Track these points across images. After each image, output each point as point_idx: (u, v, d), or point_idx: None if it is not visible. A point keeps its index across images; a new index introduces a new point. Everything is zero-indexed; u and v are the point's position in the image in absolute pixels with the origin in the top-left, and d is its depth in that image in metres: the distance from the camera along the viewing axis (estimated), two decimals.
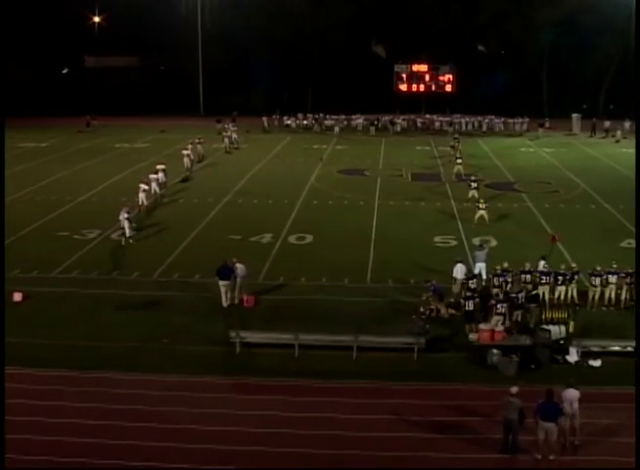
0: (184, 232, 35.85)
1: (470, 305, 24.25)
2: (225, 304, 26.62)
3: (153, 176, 42.56)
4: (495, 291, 25.48)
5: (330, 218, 38.84)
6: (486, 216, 36.89)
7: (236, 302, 26.83)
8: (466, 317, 24.32)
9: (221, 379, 21.29)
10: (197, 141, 55.99)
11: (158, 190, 42.39)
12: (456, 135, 62.51)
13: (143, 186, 40.28)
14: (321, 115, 76.93)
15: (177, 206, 41.82)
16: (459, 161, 49.66)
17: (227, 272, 26.71)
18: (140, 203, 39.63)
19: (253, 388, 20.81)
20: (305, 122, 75.88)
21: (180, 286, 28.68)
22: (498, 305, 23.99)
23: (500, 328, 22.92)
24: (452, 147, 56.78)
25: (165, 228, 36.79)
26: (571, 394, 17.82)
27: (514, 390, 17.66)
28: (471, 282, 26.08)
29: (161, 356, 22.63)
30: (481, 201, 37.70)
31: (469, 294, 24.76)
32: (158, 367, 21.78)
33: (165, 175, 44.81)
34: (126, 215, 34.22)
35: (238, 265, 26.92)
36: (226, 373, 21.64)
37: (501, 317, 23.81)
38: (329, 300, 27.20)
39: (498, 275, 26.11)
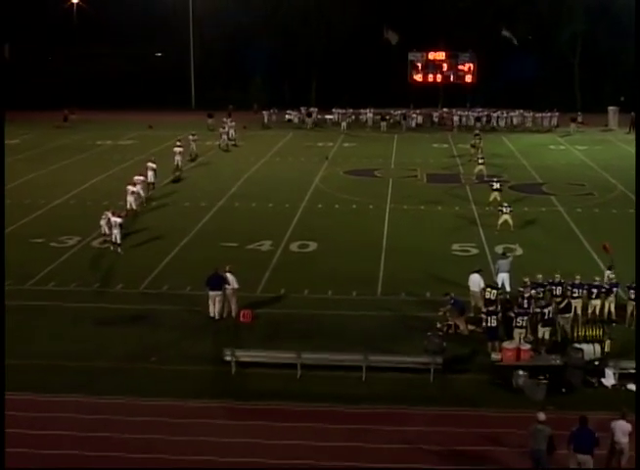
0: (174, 239, 35.92)
1: (492, 321, 24.24)
2: (213, 315, 26.86)
3: (138, 178, 42.40)
4: (520, 302, 25.57)
5: (336, 224, 38.90)
6: (510, 222, 36.92)
7: (233, 315, 26.94)
8: (488, 334, 24.32)
9: (214, 403, 21.27)
10: (190, 137, 56.16)
11: (141, 193, 42.23)
12: (477, 132, 62.58)
13: (131, 188, 40.43)
14: (312, 108, 76.97)
15: (166, 210, 41.92)
16: (481, 160, 49.69)
17: (218, 282, 26.86)
18: (128, 206, 39.75)
19: (251, 413, 20.79)
20: (311, 117, 75.98)
21: (169, 299, 28.72)
22: (518, 318, 24.05)
23: (526, 347, 22.91)
24: (473, 146, 56.81)
25: (153, 235, 36.85)
26: (623, 426, 17.63)
27: (541, 416, 17.59)
28: (491, 294, 26.11)
29: (148, 377, 22.66)
30: (505, 204, 37.73)
31: (491, 308, 24.75)
32: (143, 390, 21.79)
33: (155, 175, 44.97)
34: (119, 220, 34.38)
35: (228, 275, 27.05)
36: (220, 396, 21.63)
37: (522, 331, 23.88)
38: (335, 314, 27.22)
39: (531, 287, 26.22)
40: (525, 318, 24.15)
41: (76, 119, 75.29)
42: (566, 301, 25.82)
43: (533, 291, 25.93)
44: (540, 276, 26.89)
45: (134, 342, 25.06)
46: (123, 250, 34.17)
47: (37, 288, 29.80)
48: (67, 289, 29.70)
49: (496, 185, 41.82)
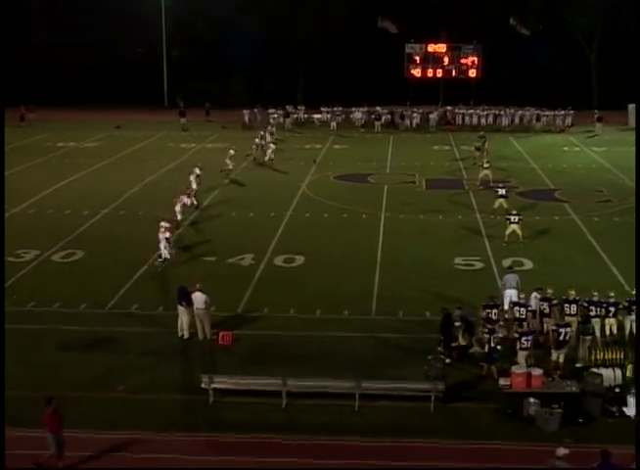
0: (143, 253, 35.79)
1: (491, 342, 24.41)
2: (181, 334, 27.09)
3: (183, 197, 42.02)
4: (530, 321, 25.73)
5: (325, 235, 38.95)
6: (519, 232, 37.02)
7: (207, 337, 26.96)
8: (487, 357, 24.45)
9: (190, 436, 21.21)
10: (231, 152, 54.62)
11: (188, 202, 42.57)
12: (482, 133, 62.77)
13: (184, 199, 41.25)
14: (298, 107, 77.14)
15: (135, 220, 41.84)
16: (486, 165, 49.77)
17: (184, 297, 27.14)
18: (179, 217, 40.29)
19: (231, 447, 20.75)
20: (296, 116, 76.08)
21: (139, 320, 28.67)
22: (523, 339, 24.13)
23: (538, 372, 22.92)
24: (477, 149, 56.90)
25: (120, 249, 36.77)
26: None
27: (560, 452, 17.48)
28: (492, 312, 26.24)
29: (114, 408, 22.57)
30: (513, 212, 37.84)
31: (490, 327, 24.89)
32: (109, 422, 21.70)
33: (198, 182, 45.39)
34: (167, 235, 34.74)
35: (197, 294, 27.05)
36: (196, 428, 21.58)
37: (526, 352, 24.02)
38: (324, 336, 27.21)
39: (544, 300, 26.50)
40: (531, 338, 24.32)
41: (35, 119, 75.24)
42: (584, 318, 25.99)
43: (544, 303, 26.24)
44: (551, 291, 26.95)
45: (99, 368, 24.95)
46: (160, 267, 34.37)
47: None
48: (24, 309, 29.59)
49: (502, 191, 41.92)
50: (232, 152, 53.41)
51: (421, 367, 24.01)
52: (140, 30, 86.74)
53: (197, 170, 46.20)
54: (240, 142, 64.46)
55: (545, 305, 26.55)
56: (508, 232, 37.17)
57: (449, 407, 22.58)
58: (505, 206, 40.69)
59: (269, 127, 65.24)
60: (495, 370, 24.03)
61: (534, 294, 27.28)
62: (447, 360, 24.88)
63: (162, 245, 34.65)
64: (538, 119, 73.54)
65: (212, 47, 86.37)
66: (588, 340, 25.08)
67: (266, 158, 56.57)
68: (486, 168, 49.37)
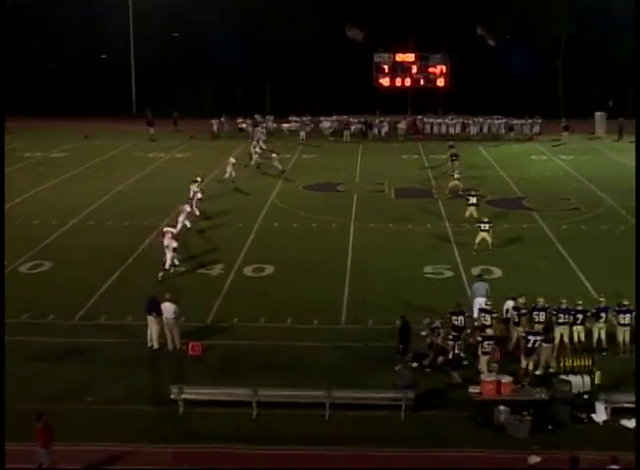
0: (112, 264, 35.65)
1: (457, 348, 24.55)
2: (151, 344, 27.02)
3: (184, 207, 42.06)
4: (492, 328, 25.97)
5: (295, 245, 38.92)
6: (489, 240, 37.20)
7: (177, 347, 26.91)
8: (451, 364, 24.55)
9: (160, 447, 21.13)
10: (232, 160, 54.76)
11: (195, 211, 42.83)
12: (452, 143, 62.96)
13: (187, 208, 41.25)
14: (258, 115, 77.04)
15: (103, 230, 41.65)
16: (457, 175, 49.95)
17: (153, 306, 27.11)
18: (181, 226, 39.97)
19: (201, 458, 20.68)
20: (265, 126, 75.88)
21: (108, 331, 28.53)
22: (485, 343, 24.32)
23: (508, 379, 23.04)
24: (452, 155, 56.86)
25: (89, 259, 36.56)
26: None
27: (533, 460, 17.55)
28: (459, 319, 26.36)
29: (83, 420, 22.44)
30: (485, 220, 38.00)
31: (454, 334, 25.04)
32: (78, 433, 21.57)
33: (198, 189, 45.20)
34: (174, 245, 34.69)
35: (167, 304, 27.01)
36: (166, 440, 21.51)
37: (487, 357, 24.30)
38: (295, 346, 27.21)
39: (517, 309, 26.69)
40: (492, 342, 24.59)
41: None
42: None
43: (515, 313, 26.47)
44: (522, 301, 27.13)
45: (69, 380, 24.80)
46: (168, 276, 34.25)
47: None
48: None
49: (473, 200, 42.08)
50: (232, 160, 53.67)
51: (391, 376, 24.07)
52: (108, 38, 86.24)
53: (198, 179, 46.06)
54: (208, 151, 64.58)
55: (515, 314, 26.72)
56: (478, 240, 37.32)
57: (420, 416, 22.63)
58: (475, 214, 40.88)
59: (261, 136, 65.10)
60: (456, 376, 24.25)
61: (508, 302, 27.44)
62: (414, 364, 25.06)
63: (169, 254, 34.56)
64: (507, 128, 74.06)
65: (181, 56, 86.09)
66: (548, 347, 25.22)
67: (253, 162, 57.61)
68: (456, 180, 49.49)
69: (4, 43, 70.07)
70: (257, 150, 59.17)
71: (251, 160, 57.93)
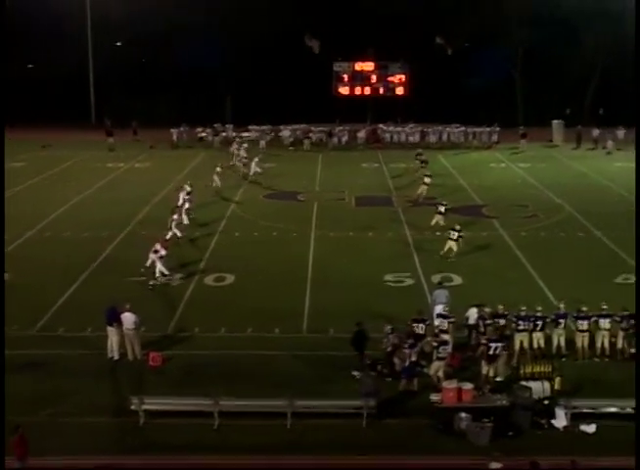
0: (72, 274, 35.43)
1: (412, 356, 24.73)
2: (111, 355, 26.92)
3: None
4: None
5: (255, 254, 38.89)
6: (454, 248, 37.33)
7: (138, 358, 26.79)
8: (405, 371, 24.68)
9: (120, 459, 20.93)
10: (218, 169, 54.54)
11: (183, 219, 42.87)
12: (420, 151, 63.02)
13: (176, 217, 41.15)
14: (218, 125, 76.92)
15: (62, 241, 41.38)
16: (427, 179, 50.28)
17: (113, 316, 26.99)
18: (171, 235, 39.88)
19: (162, 469, 20.56)
20: (225, 135, 75.69)
21: (67, 342, 28.33)
22: (441, 348, 24.47)
23: (468, 386, 23.14)
24: (422, 162, 57.12)
25: (47, 270, 36.34)
26: None
27: (494, 466, 17.64)
28: (419, 327, 26.49)
29: (41, 433, 22.18)
30: (457, 228, 38.04)
31: (410, 342, 25.15)
32: (39, 447, 21.18)
33: (187, 200, 44.96)
34: (163, 253, 34.75)
35: (127, 315, 26.90)
36: (127, 451, 21.38)
37: (442, 363, 24.47)
38: (256, 355, 27.17)
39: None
40: (448, 347, 24.86)
41: None
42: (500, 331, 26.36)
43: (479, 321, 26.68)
44: (488, 310, 27.30)
45: (27, 392, 24.55)
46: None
47: None
48: None
49: (441, 208, 42.13)
50: (219, 169, 53.71)
51: (352, 384, 24.09)
52: (66, 47, 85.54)
53: (187, 187, 45.89)
54: (168, 161, 64.37)
55: (482, 323, 26.84)
56: (447, 248, 37.47)
57: (382, 423, 22.68)
58: (442, 223, 41.09)
59: (242, 144, 65.03)
60: (407, 384, 24.39)
61: (472, 309, 27.58)
62: (372, 373, 25.15)
63: (159, 264, 34.57)
64: (465, 136, 74.55)
65: (140, 65, 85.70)
66: (505, 355, 25.36)
67: (251, 172, 57.35)
68: (425, 184, 49.70)
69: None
70: (244, 160, 59.11)
71: (249, 172, 57.74)
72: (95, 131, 78.18)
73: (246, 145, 64.85)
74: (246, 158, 59.84)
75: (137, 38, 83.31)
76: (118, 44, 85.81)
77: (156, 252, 34.78)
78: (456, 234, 37.48)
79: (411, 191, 50.97)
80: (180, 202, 44.19)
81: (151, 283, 34.34)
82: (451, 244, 37.39)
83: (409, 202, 49.05)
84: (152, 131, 74.46)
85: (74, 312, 31.04)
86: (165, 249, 35.27)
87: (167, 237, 38.68)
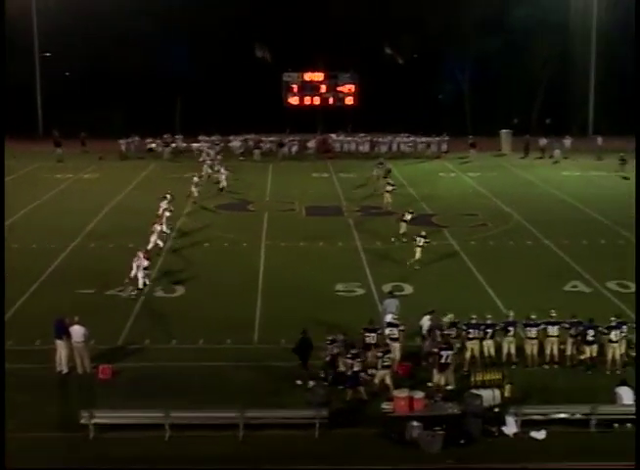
0: (19, 287, 34.94)
1: (354, 366, 24.73)
2: (60, 368, 26.64)
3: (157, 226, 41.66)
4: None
5: (206, 265, 38.80)
6: (417, 255, 37.55)
7: (87, 371, 26.53)
8: (349, 381, 24.73)
9: None
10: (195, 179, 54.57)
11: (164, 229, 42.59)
12: (381, 160, 63.26)
13: (157, 228, 40.95)
14: (167, 135, 76.54)
15: (10, 253, 40.71)
16: (389, 188, 50.53)
17: (62, 329, 26.75)
18: (153, 246, 39.74)
19: None
20: (174, 146, 75.35)
21: (15, 356, 27.86)
22: (385, 357, 24.60)
23: (420, 395, 23.22)
24: (386, 172, 57.36)
25: None
26: None
27: None
28: (371, 336, 26.57)
29: None
30: (422, 234, 38.22)
31: (353, 352, 25.18)
32: None
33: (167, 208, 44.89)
34: (145, 264, 34.72)
35: (76, 327, 26.68)
36: (77, 466, 21.15)
37: (387, 371, 24.55)
38: (207, 366, 27.05)
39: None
40: (391, 356, 25.05)
41: None
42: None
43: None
44: (447, 320, 27.43)
45: None
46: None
47: None
48: None
49: (407, 216, 42.20)
50: (196, 179, 53.80)
51: (305, 394, 24.08)
52: (12, 56, 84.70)
53: (168, 196, 45.87)
54: (117, 172, 64.00)
55: (439, 333, 26.91)
56: (417, 256, 37.66)
57: (334, 433, 22.65)
58: (403, 230, 41.32)
59: (213, 156, 65.14)
60: (351, 393, 24.41)
61: (425, 317, 27.71)
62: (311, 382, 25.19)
63: (140, 274, 34.51)
64: (415, 146, 74.97)
65: (89, 76, 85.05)
66: (453, 364, 25.56)
67: (221, 185, 56.89)
68: (388, 192, 49.91)
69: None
70: (222, 170, 58.50)
71: (219, 182, 57.39)
72: (43, 142, 77.53)
73: (219, 156, 65.33)
74: (217, 170, 59.66)
75: (86, 48, 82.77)
76: (47, 54, 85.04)
77: (138, 263, 34.76)
78: (422, 240, 37.66)
79: (371, 200, 51.21)
80: (160, 211, 44.03)
81: (134, 293, 34.26)
82: (417, 250, 37.52)
83: (357, 211, 49.19)
84: (101, 142, 73.99)
85: (23, 325, 30.64)
86: (148, 259, 35.25)
87: (149, 247, 38.76)
